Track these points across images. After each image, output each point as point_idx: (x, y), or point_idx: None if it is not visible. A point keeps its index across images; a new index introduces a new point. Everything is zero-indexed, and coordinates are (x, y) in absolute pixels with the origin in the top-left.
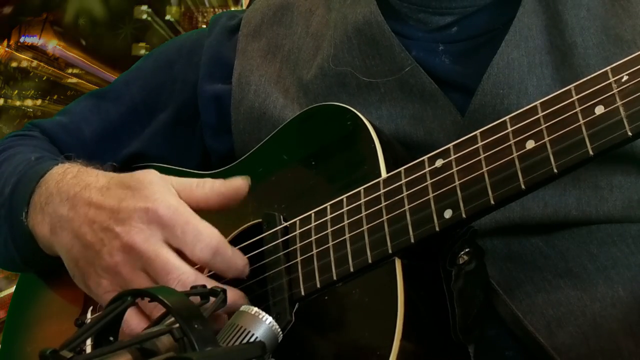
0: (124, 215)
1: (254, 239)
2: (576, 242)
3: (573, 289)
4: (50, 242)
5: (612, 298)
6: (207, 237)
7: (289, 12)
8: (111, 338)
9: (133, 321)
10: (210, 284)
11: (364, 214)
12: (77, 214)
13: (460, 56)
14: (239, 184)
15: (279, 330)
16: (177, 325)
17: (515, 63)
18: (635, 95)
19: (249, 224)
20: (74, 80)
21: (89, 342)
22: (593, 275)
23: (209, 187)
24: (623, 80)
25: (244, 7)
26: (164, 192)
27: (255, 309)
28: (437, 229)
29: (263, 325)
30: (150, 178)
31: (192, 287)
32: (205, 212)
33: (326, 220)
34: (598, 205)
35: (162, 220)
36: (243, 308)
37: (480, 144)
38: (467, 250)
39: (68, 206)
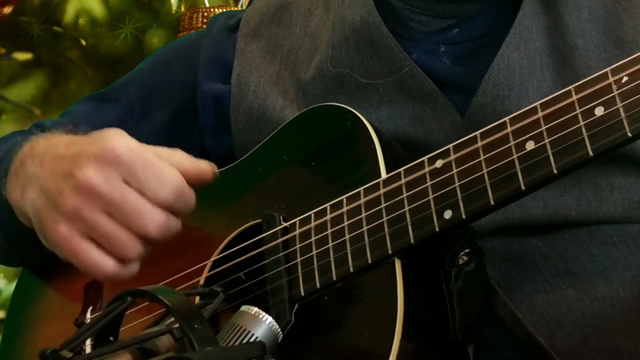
0: (82, 158)
1: (254, 240)
2: (576, 242)
3: (573, 290)
4: (21, 204)
5: (611, 299)
6: (170, 179)
7: (288, 12)
8: (111, 338)
9: None
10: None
11: (363, 214)
12: (44, 168)
13: (461, 58)
14: (203, 167)
15: (279, 330)
16: (177, 325)
17: (515, 65)
18: (635, 97)
19: (248, 224)
20: None
21: (88, 342)
22: (593, 276)
23: (179, 157)
24: (623, 81)
25: (244, 7)
26: (124, 136)
27: (256, 309)
28: (437, 229)
29: (263, 325)
30: (114, 129)
31: (192, 288)
32: (204, 212)
33: (326, 220)
34: (598, 206)
35: (121, 160)
36: (243, 308)
37: (480, 144)
38: (466, 250)
39: (37, 163)
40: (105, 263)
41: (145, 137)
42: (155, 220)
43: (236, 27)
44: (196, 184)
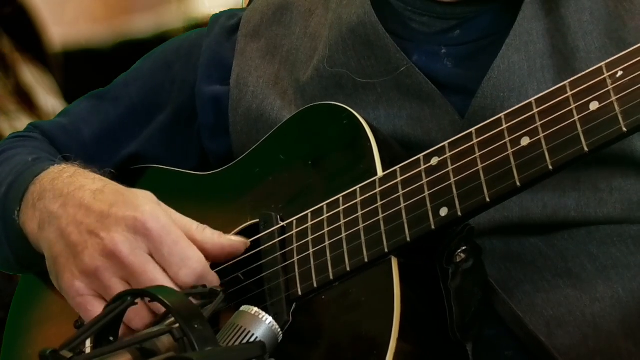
0: (112, 221)
1: (252, 239)
2: (576, 242)
3: (572, 289)
4: (37, 238)
5: (611, 298)
6: (194, 263)
7: (289, 12)
8: (111, 338)
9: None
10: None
11: (360, 213)
12: (67, 212)
13: (462, 59)
14: (238, 244)
15: (279, 330)
16: (177, 325)
17: (515, 67)
18: (629, 91)
19: (246, 224)
20: None
21: (89, 342)
22: (592, 276)
23: (209, 236)
24: (618, 75)
25: (244, 6)
26: (156, 207)
27: (256, 309)
28: (433, 227)
29: (263, 325)
30: (146, 193)
31: (192, 287)
32: (202, 212)
33: (322, 219)
34: (597, 207)
35: (150, 234)
36: (243, 308)
37: (475, 141)
38: (464, 248)
39: (59, 203)
40: None
41: (147, 138)
42: None
43: (236, 28)
44: (229, 258)
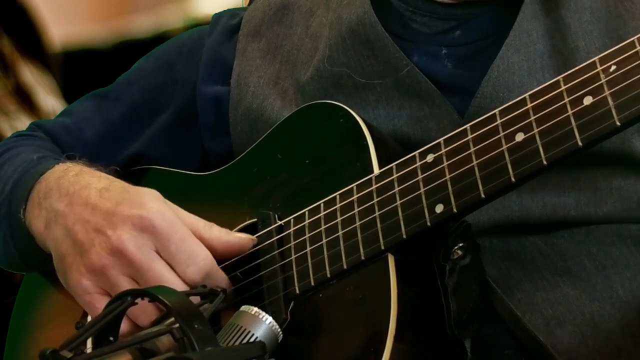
0: (118, 219)
1: None
2: (575, 241)
3: (572, 288)
4: (43, 236)
5: (611, 298)
6: (201, 260)
7: (290, 12)
8: (111, 338)
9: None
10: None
11: (356, 210)
12: (73, 211)
13: (462, 60)
14: (246, 241)
15: (279, 330)
16: (177, 325)
17: (515, 67)
18: (623, 85)
19: (245, 223)
20: None
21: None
22: (592, 275)
23: (217, 233)
24: (611, 69)
25: (245, 6)
26: (162, 205)
27: (255, 309)
28: (429, 223)
29: (263, 325)
30: (152, 191)
31: (192, 287)
32: (201, 212)
33: (319, 217)
34: (597, 207)
35: (157, 231)
36: (243, 308)
37: (470, 137)
38: (461, 245)
39: (65, 202)
40: None
41: (150, 138)
42: None
43: (238, 27)
44: (236, 255)
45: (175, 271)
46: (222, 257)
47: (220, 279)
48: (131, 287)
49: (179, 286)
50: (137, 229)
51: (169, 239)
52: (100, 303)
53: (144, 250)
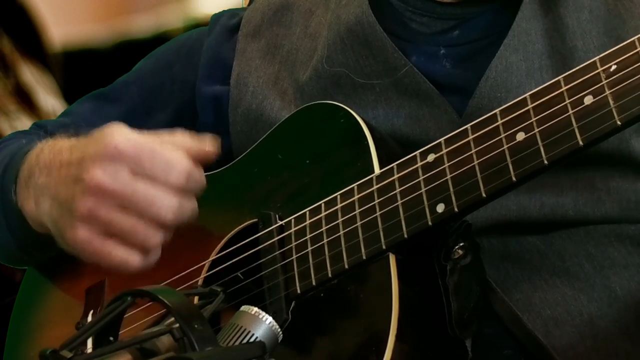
0: (88, 161)
1: (250, 239)
2: (574, 241)
3: (570, 289)
4: (36, 216)
5: (609, 298)
6: (178, 164)
7: (289, 12)
8: (111, 338)
9: None
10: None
11: (357, 211)
12: (52, 177)
13: (460, 60)
14: (210, 141)
15: (279, 330)
16: (177, 325)
17: (513, 67)
18: (623, 84)
19: (245, 223)
20: None
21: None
22: (590, 275)
23: (180, 138)
24: (612, 70)
25: (244, 6)
26: (122, 129)
27: (256, 309)
28: (430, 223)
29: (263, 325)
30: (111, 125)
31: (192, 288)
32: (201, 213)
33: (320, 217)
34: (595, 207)
35: (125, 155)
36: (243, 308)
37: (471, 137)
38: (461, 244)
39: (45, 173)
40: (130, 257)
41: None
42: (168, 205)
43: (237, 27)
44: (202, 159)
45: (158, 184)
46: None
47: (199, 176)
48: (124, 217)
49: (169, 196)
50: (106, 160)
51: (139, 156)
52: (104, 245)
53: (121, 177)
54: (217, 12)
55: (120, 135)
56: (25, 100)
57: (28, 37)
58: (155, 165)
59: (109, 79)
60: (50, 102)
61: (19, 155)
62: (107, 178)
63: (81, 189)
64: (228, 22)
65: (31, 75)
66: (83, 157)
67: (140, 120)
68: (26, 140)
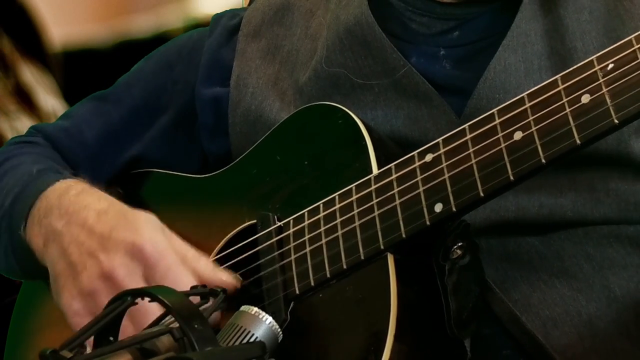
0: (112, 244)
1: (249, 240)
2: (572, 242)
3: (569, 289)
4: (42, 253)
5: (607, 298)
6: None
7: (290, 12)
8: (111, 338)
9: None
10: None
11: (355, 211)
12: (70, 231)
13: (460, 61)
14: (229, 281)
15: (279, 330)
16: (177, 325)
17: (512, 68)
18: (620, 83)
19: (244, 224)
20: None
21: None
22: (589, 276)
23: (202, 266)
24: (609, 68)
25: (245, 6)
26: (155, 232)
27: (256, 309)
28: (428, 223)
29: (263, 325)
30: (149, 216)
31: (192, 287)
32: (200, 214)
33: (319, 218)
34: (594, 208)
35: (145, 258)
36: (243, 308)
37: (468, 136)
38: (460, 244)
39: (64, 221)
40: None
41: (150, 140)
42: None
43: (238, 28)
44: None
45: None
46: None
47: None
48: None
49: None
50: (128, 255)
51: (156, 266)
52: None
53: (133, 277)
54: (217, 12)
55: (151, 237)
56: (25, 100)
57: (28, 37)
58: (164, 281)
59: (109, 79)
60: (50, 102)
61: (31, 187)
62: (122, 271)
63: (94, 266)
64: (228, 22)
65: (31, 75)
66: (109, 236)
67: (141, 121)
68: (36, 167)
